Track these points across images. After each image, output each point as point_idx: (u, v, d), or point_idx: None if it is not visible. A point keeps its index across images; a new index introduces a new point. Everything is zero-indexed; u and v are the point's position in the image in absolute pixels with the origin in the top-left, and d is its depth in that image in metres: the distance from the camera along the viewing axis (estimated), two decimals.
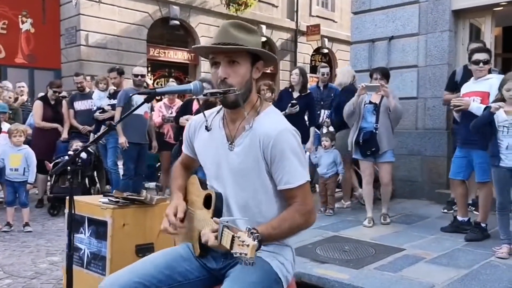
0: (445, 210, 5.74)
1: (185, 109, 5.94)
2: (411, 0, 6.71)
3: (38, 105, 7.20)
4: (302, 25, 19.04)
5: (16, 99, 7.99)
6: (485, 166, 4.35)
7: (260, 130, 1.87)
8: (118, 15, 13.83)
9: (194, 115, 3.49)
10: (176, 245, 2.18)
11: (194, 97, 2.10)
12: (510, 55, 9.15)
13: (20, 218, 5.75)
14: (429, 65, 6.56)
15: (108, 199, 2.90)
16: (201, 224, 1.95)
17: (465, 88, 4.70)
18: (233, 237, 1.54)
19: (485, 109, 4.19)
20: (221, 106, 2.01)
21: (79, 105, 7.31)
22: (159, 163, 8.02)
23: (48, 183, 7.22)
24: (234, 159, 1.92)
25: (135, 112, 6.12)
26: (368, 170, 5.27)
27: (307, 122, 6.19)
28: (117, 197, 2.92)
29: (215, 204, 1.90)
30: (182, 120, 5.62)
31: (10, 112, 7.16)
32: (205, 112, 2.05)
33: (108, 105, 6.73)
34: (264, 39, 17.92)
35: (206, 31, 15.55)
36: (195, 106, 5.72)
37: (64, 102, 7.32)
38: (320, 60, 20.14)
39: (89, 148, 6.73)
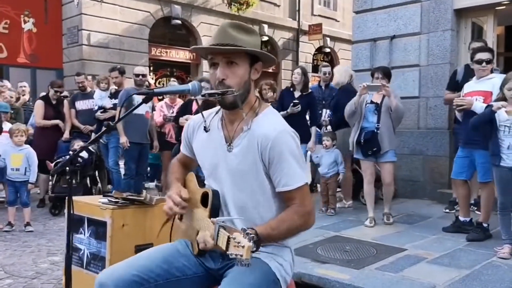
0: (447, 210, 5.72)
1: (185, 109, 5.94)
2: None
3: (39, 105, 7.20)
4: (304, 24, 19.02)
5: (17, 99, 8.00)
6: (488, 166, 4.33)
7: (259, 131, 1.86)
8: (120, 14, 13.84)
9: (194, 115, 3.48)
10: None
11: (192, 97, 2.09)
12: None
13: (21, 217, 5.75)
14: (431, 64, 6.54)
15: (108, 200, 2.90)
16: (198, 223, 1.95)
17: (468, 88, 4.68)
18: (228, 238, 1.54)
19: (486, 107, 4.18)
20: (219, 107, 2.01)
21: (81, 104, 7.31)
22: None
23: (50, 183, 7.23)
24: (232, 160, 1.91)
25: (136, 112, 6.21)
26: (370, 170, 5.25)
27: (308, 122, 6.18)
28: (116, 198, 2.91)
29: (212, 203, 1.90)
30: (181, 120, 5.62)
31: (12, 112, 7.17)
32: (204, 112, 2.04)
33: (110, 104, 6.72)
34: (266, 38, 17.92)
35: (208, 30, 15.55)
36: (195, 106, 5.71)
37: (65, 101, 7.33)
38: (322, 59, 20.12)
39: (90, 148, 6.74)
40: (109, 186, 7.44)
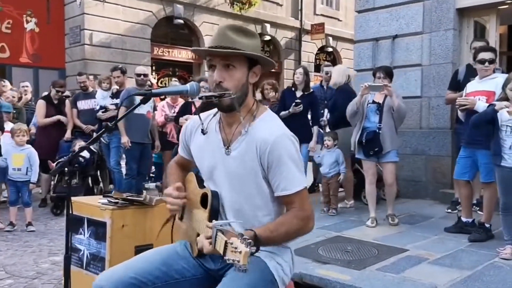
0: (449, 210, 5.70)
1: (185, 109, 5.93)
2: None
3: (41, 105, 7.21)
4: (307, 23, 18.99)
5: (19, 99, 8.01)
6: (490, 166, 4.30)
7: (257, 135, 1.85)
8: (122, 14, 13.85)
9: (194, 115, 3.47)
10: (173, 243, 2.16)
11: (190, 99, 2.09)
12: None
13: (23, 217, 5.76)
14: (433, 64, 6.51)
15: (108, 200, 2.89)
16: (198, 225, 1.94)
17: (470, 88, 4.66)
18: (226, 242, 1.53)
19: (489, 106, 4.16)
20: (217, 109, 1.99)
21: (82, 104, 7.31)
22: None
23: (52, 182, 7.23)
24: (231, 163, 1.90)
25: (137, 112, 6.22)
26: (371, 170, 5.23)
27: (310, 121, 6.16)
28: (116, 198, 2.90)
29: (211, 204, 1.89)
30: (181, 120, 5.61)
31: (14, 111, 7.18)
32: (201, 114, 2.03)
33: (112, 104, 6.72)
34: (268, 37, 17.91)
35: (210, 30, 15.53)
36: (198, 102, 5.71)
37: (67, 101, 7.33)
38: (324, 58, 20.08)
39: (92, 148, 6.75)
40: (111, 186, 7.45)
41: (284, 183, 1.82)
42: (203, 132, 1.99)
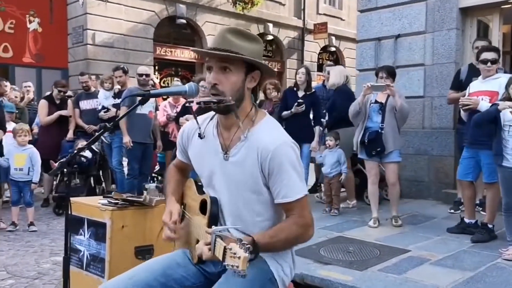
0: (452, 211, 5.67)
1: (186, 109, 5.92)
2: None
3: (43, 104, 7.22)
4: (309, 23, 18.96)
5: (22, 99, 8.02)
6: (493, 167, 4.28)
7: (258, 142, 1.82)
8: (125, 14, 13.85)
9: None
10: (175, 249, 2.16)
11: (187, 104, 2.07)
12: None
13: (25, 217, 5.77)
14: (436, 63, 6.48)
15: (107, 201, 2.88)
16: (197, 231, 1.93)
17: (473, 87, 4.64)
18: (225, 248, 1.52)
19: (492, 105, 4.14)
20: (214, 112, 1.97)
21: (85, 104, 7.32)
22: None
23: (54, 182, 7.25)
24: (230, 169, 1.88)
25: (139, 112, 6.20)
26: (374, 170, 5.20)
27: (312, 121, 6.14)
28: (116, 199, 2.90)
29: (210, 211, 1.88)
30: (182, 120, 5.61)
31: (17, 112, 7.19)
32: (198, 118, 2.01)
33: (114, 104, 6.72)
34: (270, 37, 17.89)
35: (213, 29, 15.52)
36: (195, 106, 5.69)
37: (69, 101, 7.33)
38: (327, 58, 20.05)
39: (94, 148, 6.75)
40: (113, 186, 7.45)
41: (285, 190, 1.81)
42: (201, 136, 1.97)
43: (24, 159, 5.66)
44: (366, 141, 5.08)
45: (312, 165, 6.71)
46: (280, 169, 1.79)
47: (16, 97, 7.53)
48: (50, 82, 8.07)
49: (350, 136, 5.82)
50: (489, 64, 4.45)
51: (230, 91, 1.81)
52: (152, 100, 6.42)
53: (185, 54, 15.63)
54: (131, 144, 6.18)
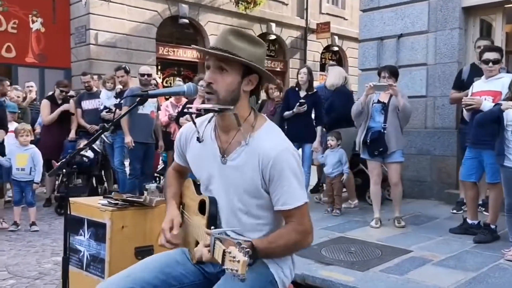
0: (454, 211, 5.64)
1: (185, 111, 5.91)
2: None
3: (45, 104, 7.23)
4: (312, 22, 18.95)
5: (24, 99, 8.03)
6: (496, 167, 4.25)
7: (259, 148, 1.81)
8: (128, 14, 13.87)
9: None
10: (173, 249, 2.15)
11: (186, 110, 2.06)
12: None
13: (27, 217, 5.77)
14: (439, 63, 6.46)
15: (108, 201, 2.88)
16: (196, 231, 1.92)
17: (476, 87, 4.61)
18: (224, 251, 1.51)
19: (495, 105, 4.12)
20: (212, 114, 1.96)
21: (87, 104, 7.31)
22: None
23: (56, 182, 7.25)
24: (228, 173, 1.87)
25: (141, 112, 6.19)
26: (376, 171, 5.18)
27: (314, 121, 6.12)
28: (116, 199, 2.89)
29: (209, 211, 1.87)
30: (182, 120, 5.60)
31: (19, 111, 7.19)
32: (196, 121, 1.99)
33: (115, 104, 6.72)
34: (273, 37, 17.88)
35: (215, 29, 15.53)
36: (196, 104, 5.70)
37: (71, 101, 7.33)
38: (330, 58, 20.03)
39: (96, 148, 6.76)
40: (115, 186, 7.45)
41: (285, 197, 1.80)
42: (199, 140, 1.96)
43: (26, 159, 5.66)
44: (368, 141, 5.06)
45: (313, 168, 6.69)
46: (281, 176, 1.78)
47: (18, 97, 7.53)
48: (53, 82, 8.08)
49: (348, 136, 5.83)
50: (490, 64, 4.43)
51: (224, 91, 1.80)
52: (154, 100, 6.42)
53: (187, 54, 15.64)
54: (133, 144, 6.17)
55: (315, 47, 19.37)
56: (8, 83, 7.47)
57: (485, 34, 6.44)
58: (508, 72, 4.96)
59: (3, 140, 5.70)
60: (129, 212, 2.85)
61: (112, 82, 7.08)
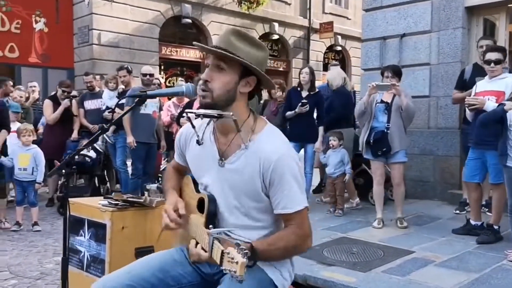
0: (458, 211, 5.62)
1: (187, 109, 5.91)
2: None
3: (48, 104, 7.24)
4: (315, 22, 18.91)
5: (27, 99, 8.05)
6: (500, 167, 4.24)
7: (260, 151, 1.80)
8: (130, 14, 13.88)
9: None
10: (173, 247, 2.14)
11: (184, 115, 2.03)
12: None
13: (29, 217, 5.77)
14: (442, 63, 6.43)
15: (108, 202, 2.87)
16: (194, 230, 1.91)
17: (480, 87, 4.59)
18: (222, 252, 1.50)
19: (499, 105, 4.10)
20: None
21: (89, 104, 7.32)
22: None
23: (59, 182, 7.25)
24: (227, 175, 1.86)
25: (143, 112, 6.18)
26: (379, 171, 5.16)
27: (316, 121, 6.11)
28: (116, 200, 2.88)
29: (208, 209, 1.86)
30: (183, 120, 5.59)
31: (22, 111, 7.20)
32: (195, 123, 1.98)
33: (116, 104, 6.71)
34: (276, 37, 17.86)
35: (218, 29, 15.52)
36: (196, 106, 5.69)
37: (74, 101, 7.34)
38: (333, 57, 19.99)
39: (98, 148, 6.76)
40: (118, 186, 7.45)
41: (285, 201, 1.79)
42: (199, 143, 1.95)
43: (28, 159, 5.67)
44: (371, 141, 5.04)
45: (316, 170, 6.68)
46: (282, 180, 1.78)
47: (21, 97, 7.54)
48: (56, 82, 8.10)
49: (347, 136, 5.84)
50: (492, 64, 4.40)
51: (220, 90, 1.79)
52: (156, 100, 6.42)
53: (190, 54, 15.64)
54: (135, 144, 6.18)
55: (318, 47, 19.34)
56: (11, 83, 7.49)
57: (489, 33, 6.41)
58: (510, 72, 4.93)
59: (5, 140, 5.71)
60: (129, 213, 2.84)
61: (114, 82, 7.09)
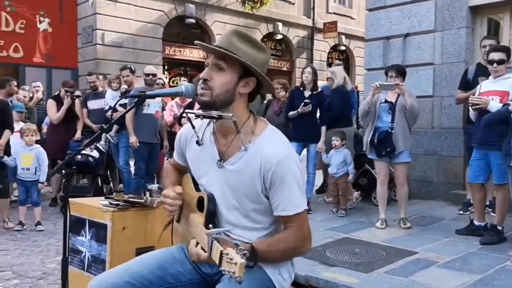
0: (461, 212, 5.60)
1: (189, 109, 5.90)
2: None
3: (51, 104, 7.26)
4: (319, 22, 18.87)
5: (31, 98, 8.07)
6: (504, 168, 4.22)
7: (261, 153, 1.79)
8: (134, 14, 13.89)
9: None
10: (173, 245, 2.14)
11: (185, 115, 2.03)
12: None
13: (32, 216, 5.79)
14: (446, 62, 6.40)
15: (109, 202, 2.87)
16: (194, 229, 1.90)
17: (484, 87, 4.56)
18: (221, 252, 1.50)
19: (504, 105, 4.07)
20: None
21: (92, 104, 7.34)
22: None
23: (63, 181, 7.27)
24: (227, 176, 1.85)
25: (146, 112, 6.18)
26: (383, 171, 5.13)
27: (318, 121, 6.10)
28: (117, 200, 2.88)
29: (207, 209, 1.86)
30: (184, 121, 5.58)
31: (26, 111, 7.23)
32: (195, 124, 1.97)
33: (120, 105, 6.72)
34: (280, 36, 17.84)
35: (222, 29, 15.51)
36: (197, 106, 5.68)
37: (77, 101, 7.36)
38: (337, 57, 19.94)
39: (101, 148, 6.77)
40: (121, 186, 7.46)
41: (284, 203, 1.79)
42: (199, 144, 1.94)
43: (31, 159, 5.68)
44: (375, 141, 5.01)
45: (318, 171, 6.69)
46: (282, 182, 1.77)
47: (24, 97, 7.57)
48: (60, 82, 8.12)
49: (347, 136, 5.83)
50: (495, 64, 4.38)
51: (219, 89, 1.78)
52: (158, 100, 6.42)
53: (194, 54, 15.63)
54: (138, 144, 6.18)
55: (322, 46, 19.30)
56: (15, 83, 7.50)
57: (493, 33, 6.38)
58: None
59: (8, 140, 5.72)
60: (130, 213, 2.84)
61: (117, 82, 7.10)
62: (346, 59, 19.99)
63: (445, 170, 6.39)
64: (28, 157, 5.69)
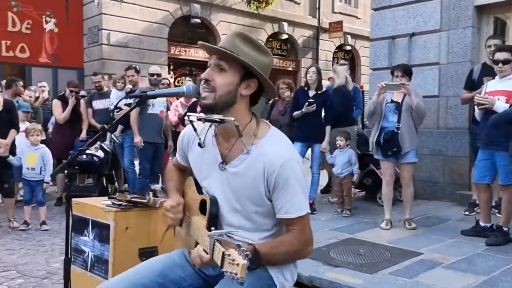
0: (467, 212, 5.56)
1: (192, 110, 5.91)
2: None
3: (57, 104, 7.28)
4: (325, 22, 18.85)
5: (37, 98, 8.11)
6: (510, 168, 4.19)
7: (264, 156, 1.78)
8: (140, 14, 13.93)
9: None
10: (175, 249, 2.13)
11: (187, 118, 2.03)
12: None
13: (37, 216, 5.80)
14: (451, 62, 6.36)
15: (112, 202, 2.86)
16: (196, 232, 1.90)
17: (490, 87, 4.53)
18: (223, 254, 1.49)
19: (510, 106, 4.04)
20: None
21: (97, 104, 7.36)
22: None
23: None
24: (230, 179, 1.84)
25: (151, 112, 6.18)
26: (389, 171, 5.09)
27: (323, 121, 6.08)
28: (120, 200, 2.87)
29: (210, 211, 1.85)
30: (187, 122, 5.58)
31: (31, 111, 7.25)
32: (197, 126, 1.96)
33: (125, 104, 6.73)
34: (285, 36, 17.82)
35: (227, 29, 15.53)
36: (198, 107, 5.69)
37: (82, 101, 7.38)
38: (342, 57, 19.91)
39: (106, 147, 6.79)
40: (126, 185, 7.48)
41: (287, 206, 1.78)
42: (201, 146, 1.93)
43: (36, 159, 5.69)
44: (381, 141, 4.98)
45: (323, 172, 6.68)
46: (286, 185, 1.77)
47: (30, 97, 7.60)
48: (66, 82, 8.15)
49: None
50: (500, 64, 4.35)
51: (221, 90, 1.77)
52: (163, 100, 6.43)
53: (199, 54, 15.64)
54: (142, 144, 6.19)
55: (327, 46, 19.27)
56: (21, 83, 7.54)
57: (499, 32, 6.34)
58: None
59: (14, 140, 5.74)
60: (133, 213, 2.83)
61: (122, 82, 7.11)
62: (351, 59, 19.96)
63: (451, 170, 6.35)
64: (33, 157, 5.70)
